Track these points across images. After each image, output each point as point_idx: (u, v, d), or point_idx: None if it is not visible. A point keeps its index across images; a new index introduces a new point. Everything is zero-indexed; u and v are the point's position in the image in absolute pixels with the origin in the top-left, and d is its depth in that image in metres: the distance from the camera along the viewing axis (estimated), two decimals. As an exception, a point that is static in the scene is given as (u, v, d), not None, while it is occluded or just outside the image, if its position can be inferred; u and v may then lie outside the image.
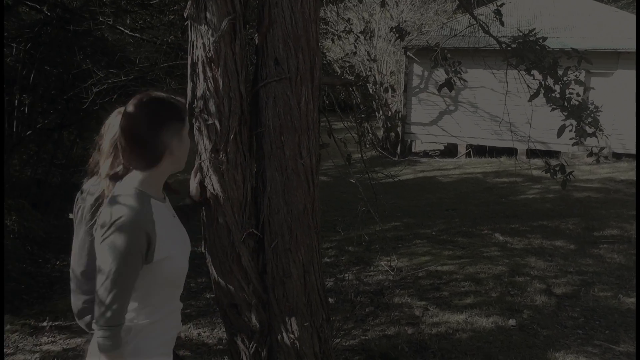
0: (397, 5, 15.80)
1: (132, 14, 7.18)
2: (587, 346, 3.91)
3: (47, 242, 6.23)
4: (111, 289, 1.54)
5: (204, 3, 2.21)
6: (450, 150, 15.59)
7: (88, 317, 2.12)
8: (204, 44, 2.24)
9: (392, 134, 15.95)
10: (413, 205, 9.17)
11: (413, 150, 16.53)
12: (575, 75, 3.55)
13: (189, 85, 2.33)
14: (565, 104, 3.52)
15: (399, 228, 7.62)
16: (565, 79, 3.52)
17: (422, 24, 16.16)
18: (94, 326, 1.58)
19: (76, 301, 2.14)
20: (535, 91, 3.60)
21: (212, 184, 2.31)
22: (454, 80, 4.19)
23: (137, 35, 6.98)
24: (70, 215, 2.19)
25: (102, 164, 2.02)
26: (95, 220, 1.68)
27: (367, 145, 15.14)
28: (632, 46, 12.35)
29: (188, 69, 2.33)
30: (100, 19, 6.31)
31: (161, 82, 6.15)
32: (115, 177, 1.72)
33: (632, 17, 14.06)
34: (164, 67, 6.15)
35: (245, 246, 2.37)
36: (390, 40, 15.64)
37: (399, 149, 15.74)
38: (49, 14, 6.68)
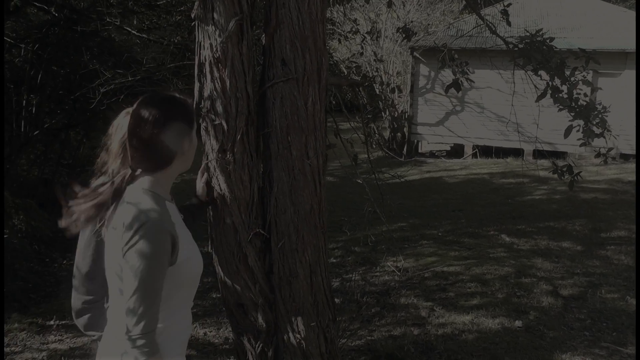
0: (404, 6, 15.79)
1: (139, 14, 7.20)
2: (594, 348, 3.89)
3: (54, 242, 6.25)
4: (145, 296, 1.52)
5: (211, 4, 2.21)
6: (456, 151, 15.54)
7: (85, 318, 2.13)
8: (211, 45, 2.24)
9: (399, 134, 15.95)
10: (419, 206, 9.16)
11: (419, 150, 16.50)
12: (583, 76, 3.54)
13: (196, 85, 2.34)
14: (573, 104, 3.51)
15: (405, 228, 7.61)
16: (572, 79, 3.51)
17: (428, 25, 16.16)
18: (126, 341, 1.54)
19: (76, 300, 2.15)
20: (542, 92, 3.59)
21: (219, 184, 2.31)
22: (461, 81, 4.18)
23: (144, 35, 7.00)
24: None
25: (111, 164, 2.03)
26: (104, 222, 1.68)
27: (374, 146, 15.20)
28: (639, 46, 12.26)
29: (195, 70, 2.34)
30: (108, 19, 6.33)
31: (168, 83, 6.18)
32: (127, 181, 1.70)
33: (639, 17, 13.96)
34: (171, 67, 6.17)
35: (252, 246, 2.37)
36: (396, 41, 15.64)
37: (405, 149, 15.72)
38: (56, 14, 6.71)
